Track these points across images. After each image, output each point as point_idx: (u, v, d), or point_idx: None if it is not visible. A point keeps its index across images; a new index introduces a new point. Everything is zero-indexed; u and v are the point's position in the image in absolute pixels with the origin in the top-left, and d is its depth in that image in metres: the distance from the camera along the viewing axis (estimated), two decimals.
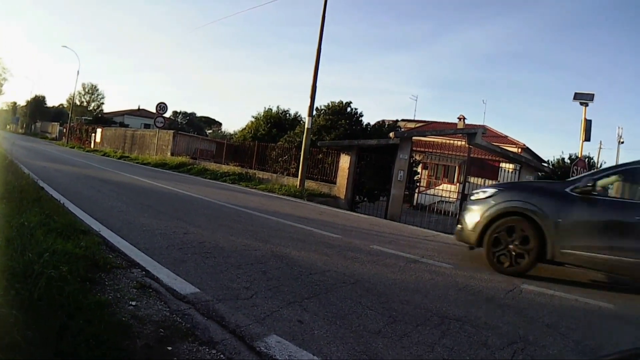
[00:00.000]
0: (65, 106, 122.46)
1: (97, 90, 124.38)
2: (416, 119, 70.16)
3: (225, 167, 36.00)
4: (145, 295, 6.21)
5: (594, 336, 7.08)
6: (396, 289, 8.13)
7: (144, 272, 7.24)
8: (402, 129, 37.56)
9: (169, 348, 4.78)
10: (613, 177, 11.18)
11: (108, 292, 6.06)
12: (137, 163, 42.04)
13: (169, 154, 45.29)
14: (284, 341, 5.23)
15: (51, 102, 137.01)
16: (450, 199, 33.07)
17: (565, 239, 10.21)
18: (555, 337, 6.62)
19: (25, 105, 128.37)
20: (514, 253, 10.63)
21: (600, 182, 10.64)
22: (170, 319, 5.50)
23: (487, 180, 35.88)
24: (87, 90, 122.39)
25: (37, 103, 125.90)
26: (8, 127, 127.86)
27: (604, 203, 10.59)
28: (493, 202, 11.26)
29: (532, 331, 6.73)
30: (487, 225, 11.13)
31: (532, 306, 8.24)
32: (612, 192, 11.47)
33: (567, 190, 10.61)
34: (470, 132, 26.56)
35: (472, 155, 27.46)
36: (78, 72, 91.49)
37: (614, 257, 9.80)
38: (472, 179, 29.69)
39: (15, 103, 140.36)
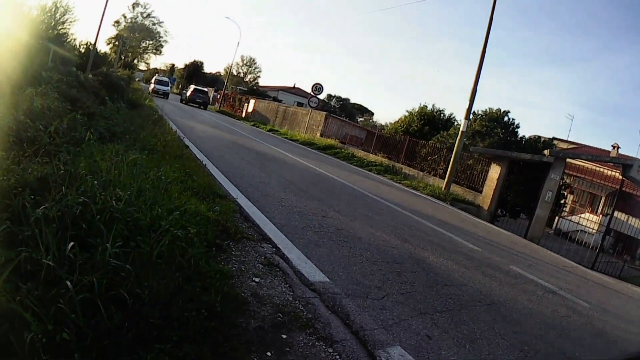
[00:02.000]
0: (222, 74, 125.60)
1: (255, 63, 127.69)
2: (569, 139, 68.48)
3: (372, 157, 35.76)
4: (271, 273, 6.02)
5: None
6: (531, 321, 7.64)
7: (274, 249, 7.03)
8: (556, 148, 36.62)
9: (284, 336, 4.52)
10: None
11: (233, 263, 5.91)
12: (285, 138, 42.32)
13: (318, 134, 45.46)
14: (407, 355, 4.85)
15: (208, 68, 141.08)
16: (592, 230, 32.03)
17: None
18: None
19: (183, 68, 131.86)
20: None
21: None
22: (291, 305, 5.26)
23: (632, 218, 34.67)
24: (245, 62, 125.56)
25: (195, 67, 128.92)
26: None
27: None
28: None
29: None
30: None
31: None
32: None
33: None
34: (627, 164, 25.31)
35: (623, 188, 26.22)
36: (238, 43, 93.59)
37: None
38: (617, 214, 28.47)
39: (173, 65, 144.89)
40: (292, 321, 4.84)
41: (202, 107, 62.71)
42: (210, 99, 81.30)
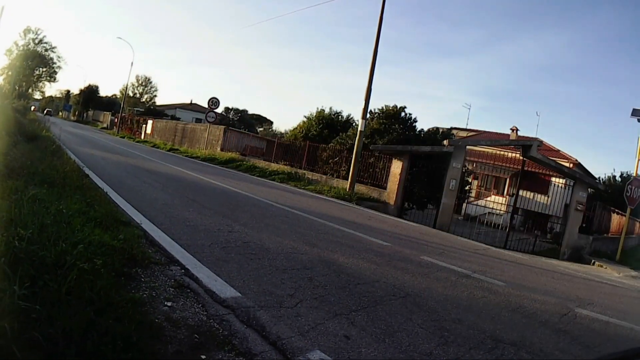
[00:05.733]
0: (118, 96, 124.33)
1: (151, 82, 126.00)
2: (468, 127, 69.70)
3: (274, 166, 35.89)
4: (183, 295, 5.95)
5: None
6: (448, 306, 7.77)
7: (183, 271, 6.95)
8: (455, 137, 37.21)
9: (203, 357, 4.49)
10: None
11: (143, 290, 5.79)
12: (186, 156, 42.32)
13: (218, 149, 45.49)
14: (327, 358, 4.87)
15: (104, 91, 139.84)
16: (500, 212, 32.67)
17: None
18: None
19: (79, 94, 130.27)
20: None
21: None
22: (206, 324, 5.21)
23: (537, 194, 35.48)
24: (140, 82, 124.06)
25: (90, 92, 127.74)
26: (61, 114, 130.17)
27: None
28: None
29: None
30: None
31: (587, 333, 7.91)
32: None
33: None
34: (526, 144, 26.11)
35: (525, 168, 26.83)
36: (132, 63, 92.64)
37: None
38: (522, 192, 29.12)
39: (68, 91, 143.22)
40: (209, 340, 4.81)
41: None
42: (109, 124, 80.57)
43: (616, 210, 34.92)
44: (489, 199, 40.09)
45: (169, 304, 5.55)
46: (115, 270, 5.90)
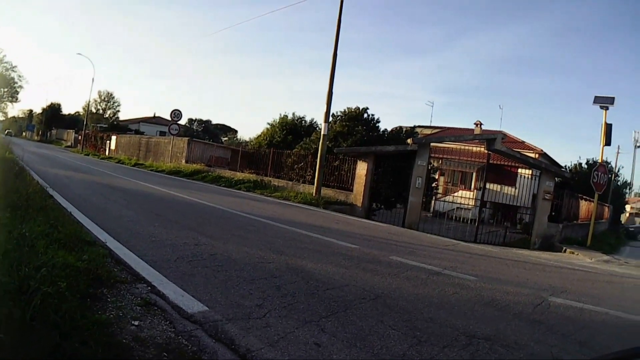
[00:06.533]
0: (81, 114, 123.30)
1: (113, 97, 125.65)
2: (432, 125, 69.95)
3: (240, 175, 35.87)
4: (150, 313, 5.85)
5: None
6: (420, 305, 7.74)
7: (149, 288, 6.85)
8: (419, 135, 37.33)
9: None
10: None
11: (110, 310, 5.69)
12: (151, 170, 42.09)
13: (183, 161, 45.37)
14: None
15: (67, 109, 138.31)
16: (468, 206, 32.85)
17: None
18: (590, 356, 6.32)
19: (41, 113, 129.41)
20: None
21: None
22: (175, 341, 5.12)
23: (505, 187, 35.68)
24: (102, 97, 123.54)
25: (53, 110, 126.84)
26: (24, 134, 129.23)
27: None
28: None
29: (565, 350, 6.38)
30: None
31: (562, 322, 7.91)
32: None
33: None
34: (490, 138, 26.26)
35: (490, 161, 27.03)
36: (93, 79, 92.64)
37: None
38: (489, 185, 29.28)
39: (31, 111, 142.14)
40: (178, 358, 4.75)
41: None
42: (73, 142, 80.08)
43: (584, 196, 35.28)
44: (457, 194, 40.26)
45: (136, 323, 5.45)
46: (81, 291, 5.80)
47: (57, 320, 4.68)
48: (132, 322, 5.43)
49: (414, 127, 46.40)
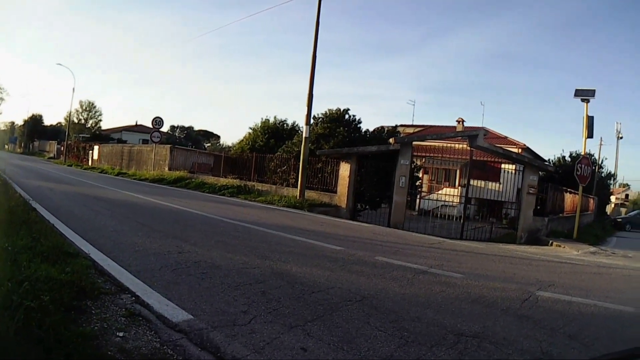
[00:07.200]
0: (63, 124, 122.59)
1: (95, 107, 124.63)
2: (415, 123, 69.97)
3: (223, 180, 35.89)
4: (135, 324, 5.80)
5: (620, 346, 6.50)
6: (406, 305, 7.75)
7: (133, 298, 6.81)
8: (402, 134, 37.34)
9: None
10: None
11: (94, 322, 5.65)
12: (134, 179, 42.02)
13: (166, 168, 45.21)
14: None
15: (49, 120, 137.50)
16: (453, 203, 32.92)
17: None
18: (580, 349, 6.27)
19: (23, 125, 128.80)
20: None
21: None
22: (160, 352, 5.09)
23: (489, 183, 35.72)
24: (84, 107, 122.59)
25: (35, 122, 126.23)
26: (6, 146, 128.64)
27: None
28: None
29: (555, 344, 6.38)
30: None
31: (550, 316, 7.90)
32: None
33: None
34: (472, 135, 26.33)
35: (473, 157, 27.08)
36: (74, 89, 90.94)
37: None
38: (473, 182, 29.29)
39: (13, 122, 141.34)
40: None
41: None
42: (56, 153, 79.78)
43: (569, 189, 35.32)
44: (441, 192, 40.36)
45: (121, 334, 5.42)
46: (64, 304, 5.77)
47: (40, 334, 4.64)
48: (117, 334, 5.40)
49: (396, 126, 46.44)
